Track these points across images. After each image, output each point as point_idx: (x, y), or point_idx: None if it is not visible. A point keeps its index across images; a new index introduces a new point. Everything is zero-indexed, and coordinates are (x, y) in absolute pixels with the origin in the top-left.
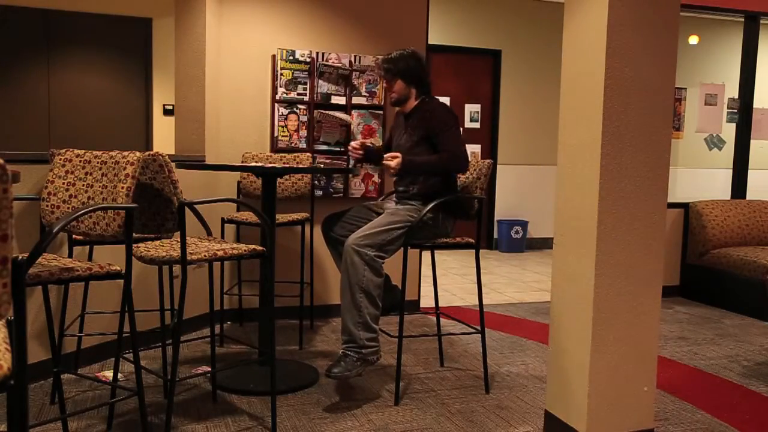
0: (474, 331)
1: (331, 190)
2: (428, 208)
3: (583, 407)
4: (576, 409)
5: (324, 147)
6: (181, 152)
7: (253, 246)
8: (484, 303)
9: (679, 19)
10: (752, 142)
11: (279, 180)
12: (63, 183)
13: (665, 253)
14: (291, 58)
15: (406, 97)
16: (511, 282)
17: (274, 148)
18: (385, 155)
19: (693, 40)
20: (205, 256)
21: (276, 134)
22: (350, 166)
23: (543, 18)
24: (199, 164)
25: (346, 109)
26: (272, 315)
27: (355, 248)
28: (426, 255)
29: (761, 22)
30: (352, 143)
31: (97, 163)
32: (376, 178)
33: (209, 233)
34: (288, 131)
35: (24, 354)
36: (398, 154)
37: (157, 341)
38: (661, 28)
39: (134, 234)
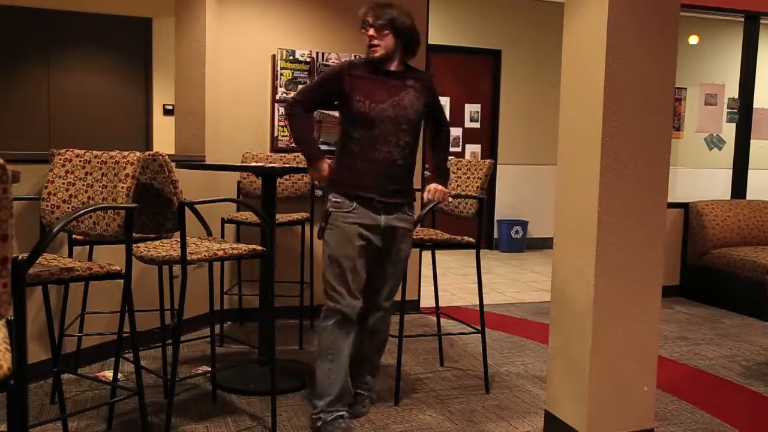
0: (474, 331)
1: None
2: (423, 213)
3: (583, 407)
4: (576, 409)
5: (324, 147)
6: (181, 152)
7: (253, 246)
8: (484, 303)
9: (679, 19)
10: (752, 142)
11: (279, 180)
12: (63, 183)
13: (665, 253)
14: (291, 58)
15: (390, 58)
16: (511, 282)
17: (274, 148)
18: (429, 190)
19: (693, 40)
20: (205, 256)
21: (276, 134)
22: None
23: (543, 18)
24: (199, 164)
25: None
26: (272, 315)
27: (385, 320)
28: (426, 255)
29: (761, 22)
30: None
31: (97, 163)
32: None
33: (209, 233)
34: (288, 131)
35: (24, 354)
36: (436, 187)
37: (157, 341)
38: (661, 28)
39: (134, 234)
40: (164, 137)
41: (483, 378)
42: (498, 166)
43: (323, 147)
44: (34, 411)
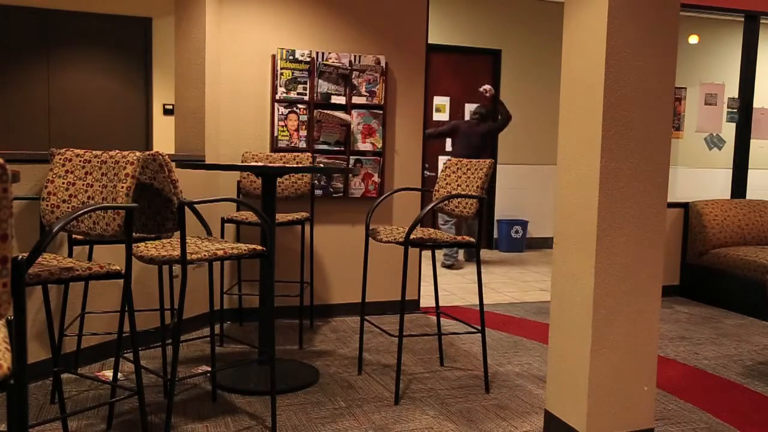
0: (474, 330)
1: (331, 189)
2: (423, 213)
3: (583, 407)
4: (576, 409)
5: (324, 147)
6: (181, 152)
7: (253, 246)
8: (484, 303)
9: (679, 18)
10: (752, 141)
11: (279, 180)
12: (63, 183)
13: (665, 253)
14: (291, 57)
15: None
16: (511, 282)
17: (274, 148)
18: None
19: (693, 40)
20: (205, 255)
21: (276, 134)
22: (351, 164)
23: (543, 18)
24: (199, 164)
25: (346, 108)
26: (272, 315)
27: None
28: (426, 255)
29: (761, 22)
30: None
31: (97, 162)
32: (376, 178)
33: (209, 233)
34: (288, 131)
35: (24, 354)
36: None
37: (157, 341)
38: (661, 28)
39: (134, 234)
40: (164, 137)
41: (483, 378)
42: (498, 166)
43: (323, 146)
44: (34, 411)
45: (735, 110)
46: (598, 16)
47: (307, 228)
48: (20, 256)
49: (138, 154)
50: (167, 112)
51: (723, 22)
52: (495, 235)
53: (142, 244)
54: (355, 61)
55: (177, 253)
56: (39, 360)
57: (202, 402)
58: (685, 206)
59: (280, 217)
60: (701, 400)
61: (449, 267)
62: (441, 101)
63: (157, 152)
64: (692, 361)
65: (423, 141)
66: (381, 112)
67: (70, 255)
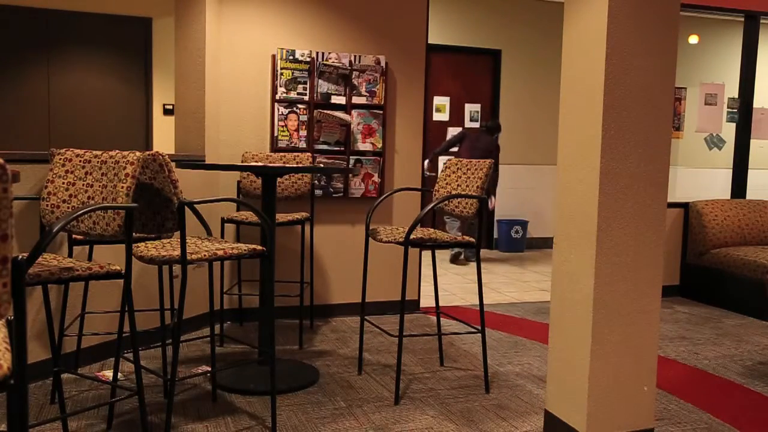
0: (474, 330)
1: (331, 189)
2: (423, 213)
3: (583, 407)
4: (576, 409)
5: (324, 147)
6: (181, 152)
7: (253, 246)
8: (484, 303)
9: (679, 18)
10: (752, 141)
11: (279, 180)
12: (63, 183)
13: (665, 253)
14: (291, 57)
15: None
16: (511, 282)
17: (274, 148)
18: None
19: (693, 40)
20: (205, 255)
21: (276, 134)
22: (350, 165)
23: (543, 18)
24: (199, 164)
25: (346, 108)
26: (272, 315)
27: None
28: (426, 255)
29: (761, 22)
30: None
31: (97, 162)
32: (376, 178)
33: (209, 233)
34: (288, 131)
35: (24, 354)
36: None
37: (157, 341)
38: (661, 28)
39: (134, 234)
40: (164, 137)
41: (483, 378)
42: (498, 166)
43: (323, 146)
44: (34, 411)
45: (735, 110)
46: (598, 16)
47: (307, 228)
48: (20, 256)
49: (138, 154)
50: (167, 112)
51: (723, 22)
52: (495, 235)
53: (142, 244)
54: (355, 61)
55: (177, 253)
56: (39, 360)
57: (202, 402)
58: (685, 206)
59: (280, 217)
60: (701, 400)
61: (455, 258)
62: (441, 101)
63: (157, 152)
64: (692, 361)
65: (425, 156)
66: (381, 112)
67: (70, 255)
